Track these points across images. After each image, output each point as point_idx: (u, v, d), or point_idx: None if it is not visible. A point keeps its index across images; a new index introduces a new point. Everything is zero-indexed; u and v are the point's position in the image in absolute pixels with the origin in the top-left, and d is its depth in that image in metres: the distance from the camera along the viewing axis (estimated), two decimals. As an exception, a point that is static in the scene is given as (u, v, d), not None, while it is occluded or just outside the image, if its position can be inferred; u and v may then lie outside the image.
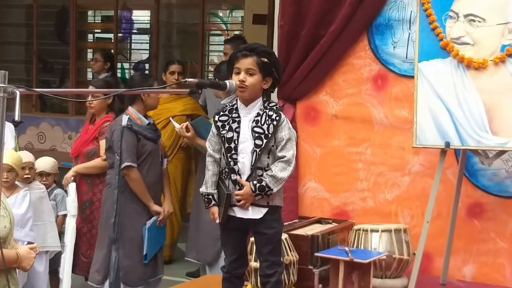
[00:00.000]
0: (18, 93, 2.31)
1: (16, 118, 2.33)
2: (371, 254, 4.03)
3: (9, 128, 4.91)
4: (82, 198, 5.44)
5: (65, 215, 5.55)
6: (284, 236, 4.03)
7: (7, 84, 2.31)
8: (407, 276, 4.26)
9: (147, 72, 11.04)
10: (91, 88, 5.54)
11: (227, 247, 3.58)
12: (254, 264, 3.95)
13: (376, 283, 4.14)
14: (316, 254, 4.11)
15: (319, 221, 4.78)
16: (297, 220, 4.79)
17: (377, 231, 4.26)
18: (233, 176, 3.44)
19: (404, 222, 4.65)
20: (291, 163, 3.43)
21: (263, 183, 3.39)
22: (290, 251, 4.09)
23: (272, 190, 3.40)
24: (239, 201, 3.43)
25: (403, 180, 4.76)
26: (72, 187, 5.33)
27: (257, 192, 3.39)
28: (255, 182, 3.40)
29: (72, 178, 5.44)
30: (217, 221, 3.50)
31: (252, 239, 3.83)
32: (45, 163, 5.63)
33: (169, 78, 6.85)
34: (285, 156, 3.42)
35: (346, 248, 3.99)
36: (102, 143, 5.40)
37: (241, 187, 3.43)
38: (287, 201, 3.87)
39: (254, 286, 4.05)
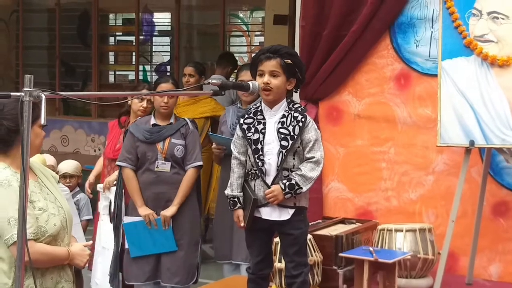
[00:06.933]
0: (43, 96, 2.33)
1: (43, 121, 2.35)
2: (396, 254, 4.01)
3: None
4: None
5: (88, 220, 5.57)
6: (308, 236, 4.02)
7: (33, 88, 2.33)
8: (432, 276, 4.24)
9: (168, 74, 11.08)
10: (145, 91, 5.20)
11: (253, 248, 3.57)
12: (278, 264, 3.95)
13: (401, 283, 4.12)
14: (341, 254, 4.10)
15: (343, 221, 4.76)
16: (320, 221, 4.78)
17: (402, 230, 4.24)
18: (263, 177, 3.44)
19: (428, 222, 4.62)
20: (320, 164, 3.44)
21: (293, 181, 3.39)
22: (314, 251, 4.08)
23: (301, 188, 3.40)
24: (269, 198, 3.41)
25: (427, 179, 4.74)
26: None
27: (287, 190, 3.39)
28: (284, 181, 3.40)
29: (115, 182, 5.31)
30: (242, 224, 3.51)
31: (276, 239, 3.83)
32: (68, 165, 5.69)
33: (183, 80, 6.90)
34: (314, 157, 3.43)
35: (371, 248, 3.98)
36: None
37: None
38: (311, 202, 3.86)
39: (278, 287, 4.05)
